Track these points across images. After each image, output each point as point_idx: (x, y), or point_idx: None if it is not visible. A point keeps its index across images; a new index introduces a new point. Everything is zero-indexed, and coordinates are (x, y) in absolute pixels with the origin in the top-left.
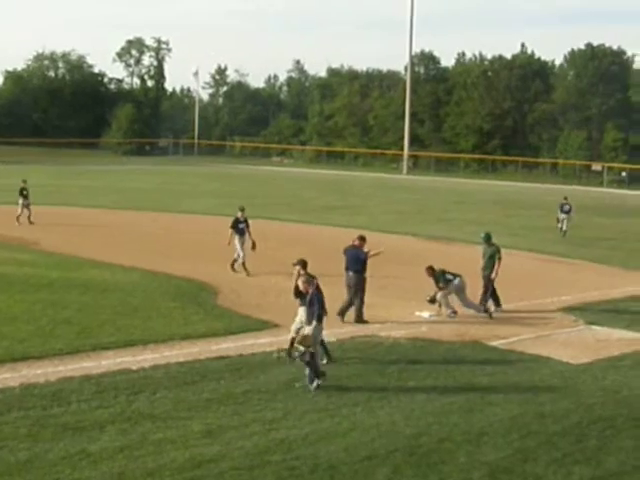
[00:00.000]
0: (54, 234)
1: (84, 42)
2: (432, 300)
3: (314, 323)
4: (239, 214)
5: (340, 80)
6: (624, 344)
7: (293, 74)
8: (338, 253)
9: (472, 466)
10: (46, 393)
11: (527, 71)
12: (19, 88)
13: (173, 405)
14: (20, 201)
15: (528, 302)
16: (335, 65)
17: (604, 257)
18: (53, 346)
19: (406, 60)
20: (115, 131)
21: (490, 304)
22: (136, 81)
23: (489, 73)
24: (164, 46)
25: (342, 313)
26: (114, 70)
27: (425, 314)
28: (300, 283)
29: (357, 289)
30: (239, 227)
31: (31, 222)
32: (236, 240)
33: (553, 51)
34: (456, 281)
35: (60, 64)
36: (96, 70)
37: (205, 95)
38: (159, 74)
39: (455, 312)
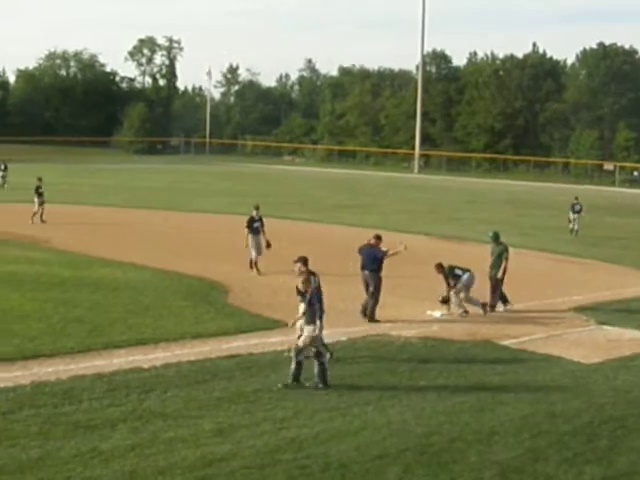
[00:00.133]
0: (65, 232)
1: (96, 41)
2: (445, 300)
3: (318, 323)
4: (254, 213)
5: (352, 79)
6: (636, 344)
7: (305, 73)
8: (349, 252)
9: (483, 465)
10: (57, 391)
11: (539, 70)
12: (31, 87)
13: (184, 404)
14: (36, 199)
15: (539, 302)
16: (347, 64)
17: (616, 257)
18: (64, 344)
19: (418, 59)
20: (127, 130)
21: (498, 304)
22: (148, 80)
23: (501, 72)
24: (176, 45)
25: (365, 312)
26: (126, 69)
27: (436, 313)
28: (299, 283)
29: (373, 288)
30: (254, 226)
31: (43, 221)
32: (250, 239)
33: (565, 50)
34: (465, 276)
35: (72, 63)
36: (108, 69)
37: (217, 94)
38: (171, 73)
39: (467, 312)
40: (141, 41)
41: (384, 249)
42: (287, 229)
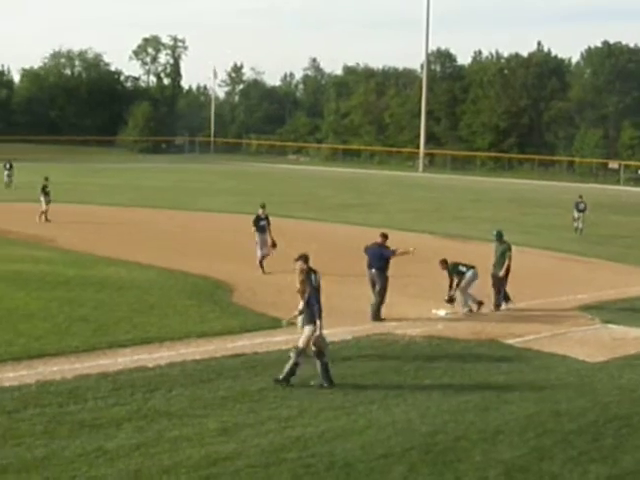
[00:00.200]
0: (70, 231)
1: (101, 40)
2: (451, 300)
3: (318, 322)
4: (260, 211)
5: (356, 78)
6: None
7: (309, 72)
8: (354, 251)
9: (488, 464)
10: (62, 390)
11: (543, 69)
12: (36, 86)
13: (189, 403)
14: (42, 198)
15: (544, 300)
16: (351, 63)
17: (620, 255)
18: (69, 343)
19: (422, 58)
20: (131, 129)
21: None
22: (152, 79)
23: (505, 71)
24: (180, 44)
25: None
26: (130, 68)
27: (441, 312)
28: (296, 282)
29: (379, 287)
30: (260, 224)
31: (48, 220)
32: (256, 237)
33: (569, 49)
34: (469, 273)
35: (77, 62)
36: (112, 68)
37: (221, 93)
38: (175, 72)
39: (472, 311)
40: (145, 40)
41: (393, 248)
42: (291, 228)
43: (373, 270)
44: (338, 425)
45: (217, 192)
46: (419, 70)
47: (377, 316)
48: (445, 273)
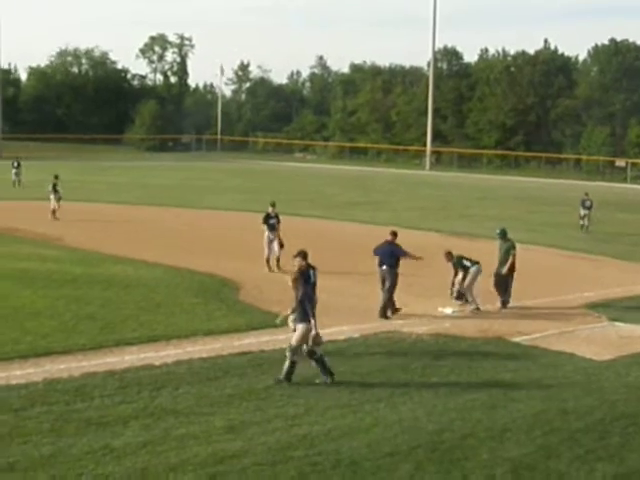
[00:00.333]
0: (77, 230)
1: (107, 38)
2: (459, 296)
3: (312, 321)
4: (270, 209)
5: (363, 76)
6: None
7: (316, 70)
8: (361, 249)
9: (495, 462)
10: (69, 388)
11: (550, 67)
12: (43, 84)
13: (196, 400)
14: (52, 196)
15: (551, 298)
16: (358, 61)
17: (627, 253)
18: (76, 341)
19: (429, 56)
20: (138, 127)
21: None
22: (159, 77)
23: (512, 69)
24: (187, 42)
25: (392, 309)
26: (137, 66)
27: (448, 310)
28: (290, 280)
29: (389, 284)
30: (270, 222)
31: (56, 218)
32: (265, 235)
33: (576, 47)
34: (474, 268)
35: (83, 60)
36: (119, 66)
37: (228, 91)
38: (182, 70)
39: (478, 308)
40: (152, 38)
41: (405, 250)
42: (298, 226)
43: (384, 267)
44: (345, 423)
45: (224, 190)
46: (426, 68)
47: (383, 313)
48: (450, 266)
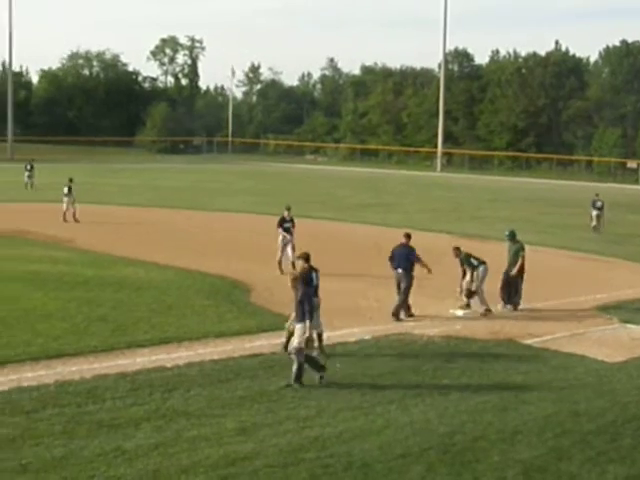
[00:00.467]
0: (89, 232)
1: (118, 41)
2: (470, 294)
3: (307, 322)
4: (285, 213)
5: (374, 78)
6: None
7: (327, 72)
8: (372, 251)
9: (506, 465)
10: (81, 390)
11: (561, 68)
12: (54, 87)
13: (207, 402)
14: (66, 199)
15: (562, 300)
16: (369, 63)
17: (638, 254)
18: (88, 343)
19: (440, 57)
20: (149, 129)
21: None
22: (170, 79)
23: (523, 70)
24: (198, 44)
25: (406, 312)
26: (148, 69)
27: (459, 312)
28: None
29: (405, 286)
30: (284, 226)
31: (66, 220)
32: (280, 238)
33: (588, 48)
34: (481, 268)
35: (95, 63)
36: (130, 69)
37: (239, 93)
38: (193, 72)
39: (489, 310)
40: (163, 41)
41: (418, 254)
42: (310, 228)
43: (399, 270)
44: (356, 425)
45: (235, 192)
46: (437, 70)
47: (396, 315)
48: (458, 264)
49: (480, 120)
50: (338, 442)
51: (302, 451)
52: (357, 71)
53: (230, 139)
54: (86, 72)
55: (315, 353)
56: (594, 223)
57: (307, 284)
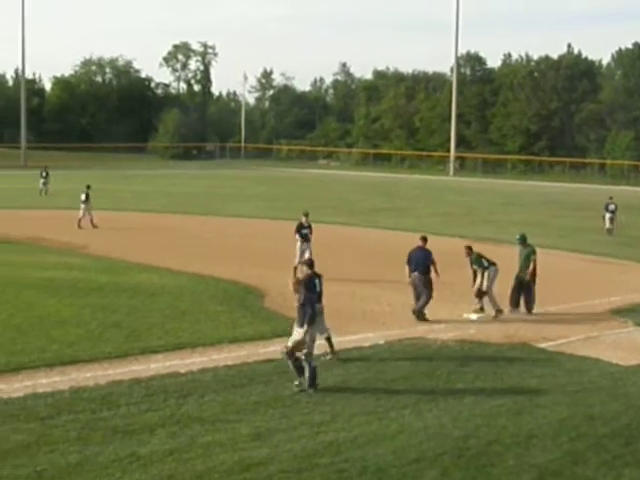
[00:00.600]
0: (103, 238)
1: (131, 48)
2: (480, 294)
3: (305, 327)
4: (303, 219)
5: (386, 82)
6: None
7: (339, 77)
8: (384, 255)
9: (521, 469)
10: (95, 396)
11: (574, 71)
12: (67, 94)
13: (221, 408)
14: (83, 206)
15: (576, 303)
16: (381, 67)
17: None
18: (102, 350)
19: (452, 61)
20: (162, 135)
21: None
22: (183, 86)
23: (535, 74)
24: (210, 50)
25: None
26: (161, 75)
27: (473, 316)
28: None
29: (424, 288)
30: (302, 232)
31: (80, 227)
32: (298, 245)
33: (600, 51)
34: (492, 269)
35: (107, 70)
36: (143, 75)
37: (251, 99)
38: (205, 78)
39: (500, 311)
40: (175, 47)
41: (433, 258)
42: (322, 233)
43: (416, 273)
44: (370, 430)
45: (248, 198)
46: (449, 73)
47: (421, 314)
48: (468, 261)
49: (493, 124)
50: (352, 447)
51: (316, 456)
52: (369, 76)
53: (243, 145)
54: (99, 79)
55: (329, 357)
56: (608, 226)
57: (310, 290)
